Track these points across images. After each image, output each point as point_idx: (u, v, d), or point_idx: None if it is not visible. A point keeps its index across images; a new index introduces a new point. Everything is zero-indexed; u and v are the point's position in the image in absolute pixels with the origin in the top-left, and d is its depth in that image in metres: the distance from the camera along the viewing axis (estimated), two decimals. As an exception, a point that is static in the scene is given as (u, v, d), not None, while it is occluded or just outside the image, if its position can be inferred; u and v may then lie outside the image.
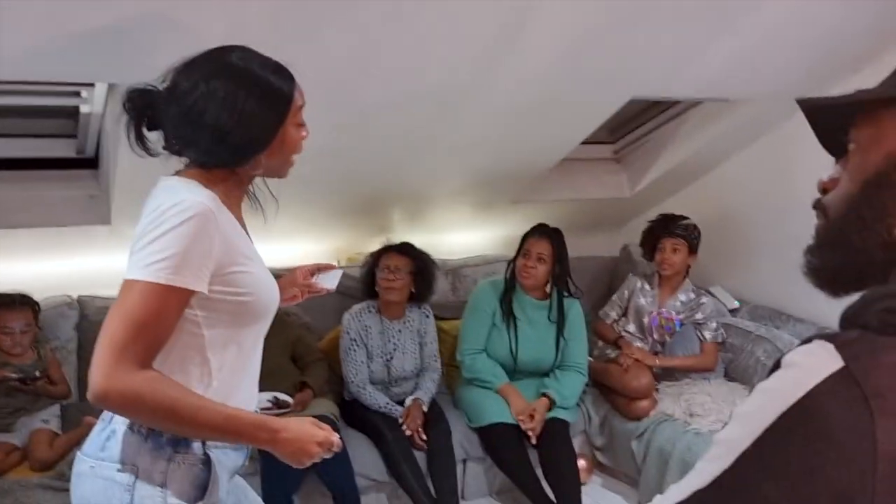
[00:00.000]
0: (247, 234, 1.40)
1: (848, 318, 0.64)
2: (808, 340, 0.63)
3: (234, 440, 1.33)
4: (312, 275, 1.73)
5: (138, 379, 1.16)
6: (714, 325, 3.28)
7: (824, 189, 0.74)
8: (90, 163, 2.82)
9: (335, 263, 1.69)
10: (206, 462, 1.31)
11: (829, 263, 0.71)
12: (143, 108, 1.33)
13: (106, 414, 1.31)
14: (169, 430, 1.26)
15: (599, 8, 2.34)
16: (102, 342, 1.17)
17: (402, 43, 2.28)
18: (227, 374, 1.34)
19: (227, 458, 1.38)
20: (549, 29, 2.38)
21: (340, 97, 2.48)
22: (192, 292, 1.22)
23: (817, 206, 0.74)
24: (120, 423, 1.28)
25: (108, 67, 2.06)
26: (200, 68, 1.29)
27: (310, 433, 1.32)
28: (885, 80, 0.70)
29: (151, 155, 1.34)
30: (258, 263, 1.37)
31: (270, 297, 1.40)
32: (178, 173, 1.33)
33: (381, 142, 2.83)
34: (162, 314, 1.19)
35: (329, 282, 1.67)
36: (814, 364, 0.59)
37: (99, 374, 1.15)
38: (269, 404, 2.75)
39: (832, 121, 0.72)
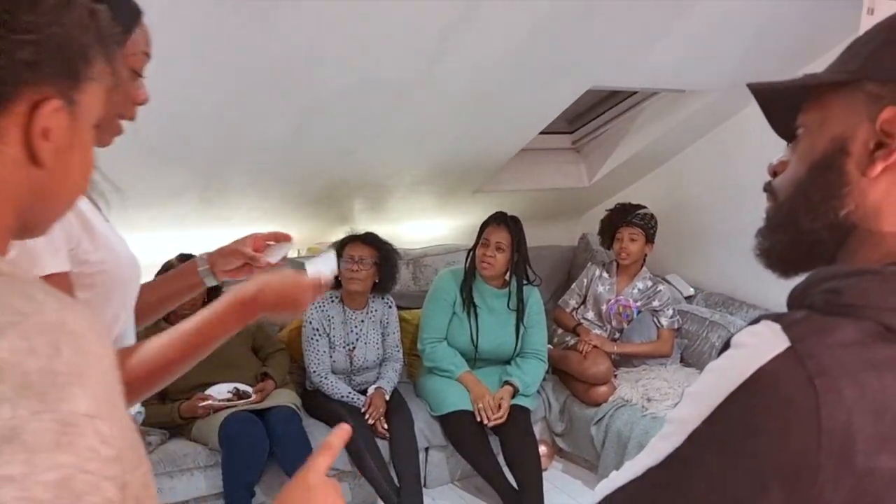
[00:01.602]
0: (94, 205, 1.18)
1: (794, 298, 0.66)
2: (756, 321, 0.65)
3: (224, 337, 1.16)
4: (266, 243, 1.43)
5: None
6: (670, 312, 3.35)
7: (774, 172, 0.76)
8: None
9: (289, 236, 1.44)
10: None
11: (779, 244, 0.73)
12: None
13: None
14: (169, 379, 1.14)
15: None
16: None
17: (358, 30, 2.27)
18: None
19: None
20: (504, 18, 2.40)
21: (296, 85, 2.46)
22: (62, 275, 1.02)
23: (767, 188, 0.76)
24: None
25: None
26: None
27: (292, 282, 1.17)
28: (831, 65, 0.72)
29: None
30: (110, 235, 1.16)
31: (127, 273, 1.17)
32: None
33: (338, 130, 2.82)
34: None
35: (275, 255, 1.41)
36: (761, 344, 0.61)
37: None
38: (230, 395, 2.74)
39: (782, 105, 0.74)
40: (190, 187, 2.84)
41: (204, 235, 2.93)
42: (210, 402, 2.68)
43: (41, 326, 0.50)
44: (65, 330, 0.51)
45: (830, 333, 0.60)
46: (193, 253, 2.76)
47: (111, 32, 0.65)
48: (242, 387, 2.75)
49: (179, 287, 1.38)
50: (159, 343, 1.11)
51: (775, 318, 0.63)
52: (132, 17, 1.06)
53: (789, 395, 0.58)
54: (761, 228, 0.75)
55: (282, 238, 1.43)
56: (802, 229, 0.70)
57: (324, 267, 1.41)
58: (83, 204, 1.10)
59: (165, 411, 2.70)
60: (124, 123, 1.12)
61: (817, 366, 0.58)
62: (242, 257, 1.37)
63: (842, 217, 0.67)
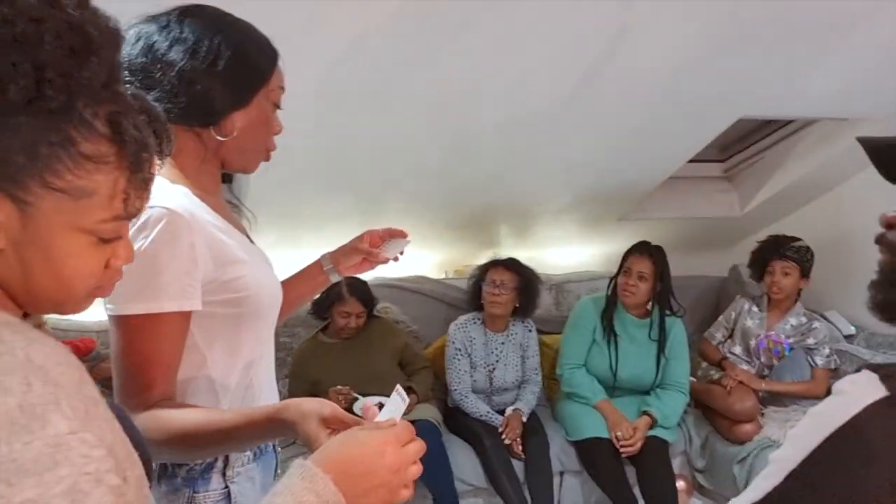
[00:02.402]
0: (239, 229, 1.24)
1: None
2: (858, 370, 0.69)
3: (259, 442, 1.17)
4: (383, 240, 1.47)
5: (139, 423, 0.98)
6: (827, 350, 3.18)
7: (888, 224, 0.76)
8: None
9: (405, 232, 1.47)
10: (227, 497, 1.16)
11: (892, 299, 0.74)
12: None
13: None
14: (192, 460, 1.13)
15: (704, 29, 2.37)
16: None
17: (510, 67, 2.39)
18: (239, 394, 1.19)
19: (254, 484, 1.21)
20: (652, 49, 2.43)
21: (451, 119, 2.62)
22: (185, 314, 1.07)
23: (881, 241, 0.76)
24: None
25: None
26: (172, 11, 1.13)
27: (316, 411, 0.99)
28: None
29: None
30: (252, 260, 1.19)
31: (270, 297, 1.22)
32: None
33: (489, 160, 2.95)
34: (156, 347, 1.05)
35: (391, 251, 1.45)
36: (859, 392, 0.65)
37: None
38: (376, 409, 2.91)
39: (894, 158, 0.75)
40: (351, 212, 3.08)
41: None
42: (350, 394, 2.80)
43: (11, 366, 0.57)
44: (32, 366, 0.57)
45: None
46: (359, 278, 3.00)
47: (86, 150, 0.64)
48: (386, 400, 2.92)
49: (310, 286, 1.48)
50: (192, 418, 1.05)
51: (874, 368, 0.66)
52: (272, 58, 1.17)
53: (883, 439, 0.62)
54: (874, 281, 0.76)
55: (397, 234, 1.47)
56: None
57: (389, 251, 1.45)
58: (226, 234, 1.15)
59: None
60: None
61: None
62: (360, 253, 1.44)
63: None
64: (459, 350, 3.08)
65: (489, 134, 2.75)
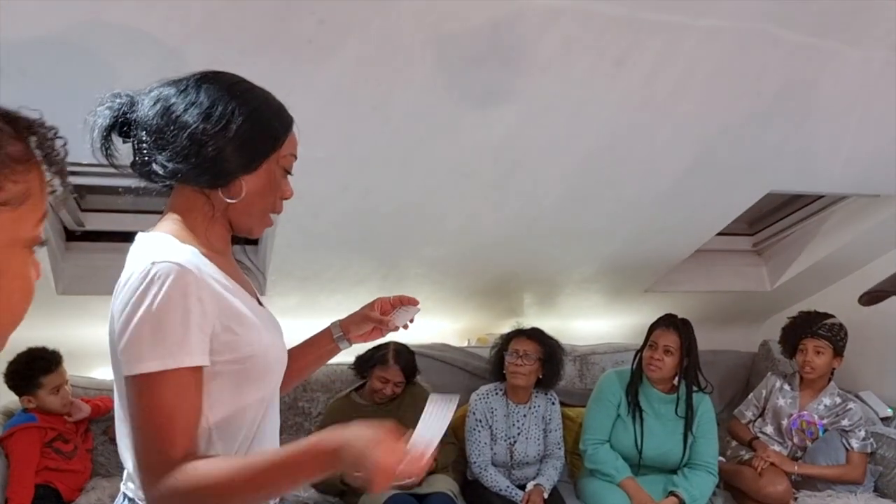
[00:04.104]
0: (249, 291, 1.24)
1: None
2: None
3: (303, 481, 1.10)
4: (394, 307, 1.45)
5: (169, 488, 1.01)
6: (863, 433, 3.05)
7: None
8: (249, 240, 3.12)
9: (416, 300, 1.45)
10: None
11: None
12: (119, 110, 1.16)
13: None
14: None
15: (732, 104, 2.38)
16: (134, 459, 1.07)
17: (534, 136, 2.41)
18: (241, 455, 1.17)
19: None
20: (679, 121, 2.43)
21: (473, 186, 2.63)
22: (199, 369, 1.07)
23: None
24: None
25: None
26: (191, 76, 1.17)
27: (384, 446, 1.00)
28: None
29: (114, 167, 1.18)
30: (260, 320, 1.20)
31: (274, 359, 1.21)
32: (153, 228, 1.18)
33: (513, 228, 2.94)
34: (177, 404, 1.04)
35: (401, 318, 1.43)
36: None
37: (146, 498, 1.06)
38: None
39: None
40: (372, 276, 3.08)
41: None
42: None
43: None
44: None
45: None
46: (404, 344, 2.97)
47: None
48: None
49: (317, 354, 1.46)
50: (227, 464, 1.05)
51: None
52: (285, 126, 1.20)
53: None
54: None
55: (407, 302, 1.46)
56: None
57: (399, 319, 1.42)
58: (232, 294, 1.15)
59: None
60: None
61: None
62: (371, 321, 1.43)
63: None
64: (480, 421, 3.01)
65: (511, 199, 2.75)
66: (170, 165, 1.12)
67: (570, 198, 2.80)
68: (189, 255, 1.10)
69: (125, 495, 1.18)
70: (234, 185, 1.16)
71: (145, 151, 1.14)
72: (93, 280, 2.80)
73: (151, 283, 1.04)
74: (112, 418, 2.87)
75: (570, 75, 2.15)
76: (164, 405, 1.03)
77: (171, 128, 1.12)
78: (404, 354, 2.95)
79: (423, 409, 1.14)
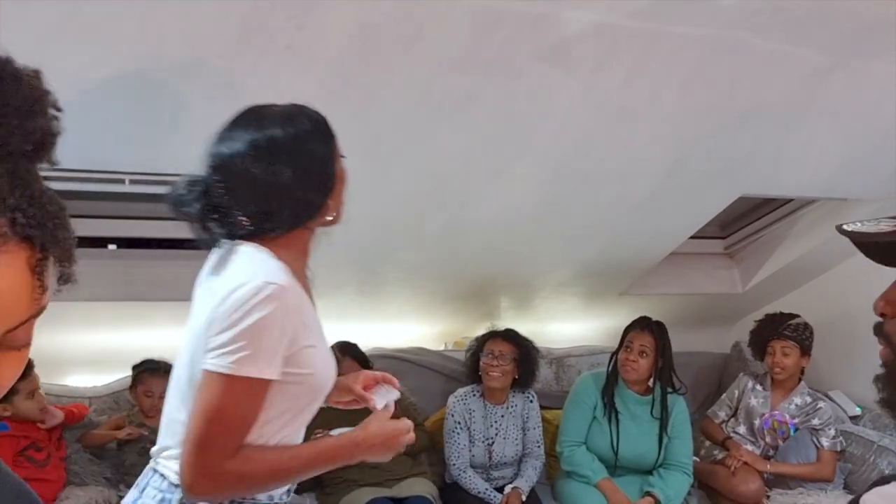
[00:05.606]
0: (311, 302, 1.36)
1: None
2: (886, 480, 0.64)
3: (332, 466, 1.34)
4: (377, 383, 1.52)
5: (227, 470, 1.18)
6: (832, 431, 3.11)
7: (882, 314, 0.71)
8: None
9: (396, 382, 1.53)
10: None
11: None
12: (199, 199, 1.25)
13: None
14: (278, 487, 1.31)
15: (705, 110, 2.42)
16: (189, 441, 1.18)
17: (510, 141, 2.43)
18: None
19: None
20: (654, 128, 2.47)
21: (451, 194, 2.64)
22: (270, 381, 1.20)
23: (878, 332, 0.71)
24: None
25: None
26: (243, 134, 1.24)
27: (393, 429, 1.32)
28: None
29: (215, 245, 1.29)
30: (321, 336, 1.33)
31: (329, 374, 1.35)
32: (248, 239, 1.27)
33: (491, 233, 2.96)
34: (246, 407, 1.19)
35: (381, 399, 1.47)
36: None
37: (190, 475, 1.18)
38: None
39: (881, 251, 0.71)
40: (350, 281, 3.08)
41: (361, 328, 3.15)
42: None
43: None
44: None
45: None
46: (350, 341, 2.98)
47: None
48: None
49: None
50: (282, 449, 1.27)
51: None
52: (330, 132, 1.33)
53: None
54: (879, 376, 0.71)
55: (389, 381, 1.53)
56: None
57: (377, 400, 1.48)
58: (311, 319, 1.29)
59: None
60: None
61: None
62: (353, 394, 1.50)
63: None
64: (459, 423, 3.02)
65: (488, 206, 2.76)
66: (282, 226, 1.26)
67: (547, 203, 2.82)
68: (283, 274, 1.22)
69: (155, 470, 1.29)
70: (325, 209, 1.30)
71: (250, 226, 1.25)
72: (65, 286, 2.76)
73: (262, 302, 1.16)
74: (85, 426, 2.84)
75: (545, 82, 2.17)
76: (236, 403, 1.17)
77: (272, 196, 1.24)
78: (350, 348, 2.97)
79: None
